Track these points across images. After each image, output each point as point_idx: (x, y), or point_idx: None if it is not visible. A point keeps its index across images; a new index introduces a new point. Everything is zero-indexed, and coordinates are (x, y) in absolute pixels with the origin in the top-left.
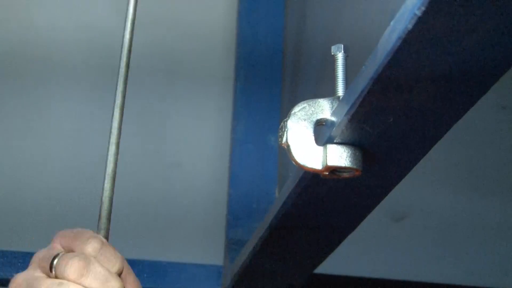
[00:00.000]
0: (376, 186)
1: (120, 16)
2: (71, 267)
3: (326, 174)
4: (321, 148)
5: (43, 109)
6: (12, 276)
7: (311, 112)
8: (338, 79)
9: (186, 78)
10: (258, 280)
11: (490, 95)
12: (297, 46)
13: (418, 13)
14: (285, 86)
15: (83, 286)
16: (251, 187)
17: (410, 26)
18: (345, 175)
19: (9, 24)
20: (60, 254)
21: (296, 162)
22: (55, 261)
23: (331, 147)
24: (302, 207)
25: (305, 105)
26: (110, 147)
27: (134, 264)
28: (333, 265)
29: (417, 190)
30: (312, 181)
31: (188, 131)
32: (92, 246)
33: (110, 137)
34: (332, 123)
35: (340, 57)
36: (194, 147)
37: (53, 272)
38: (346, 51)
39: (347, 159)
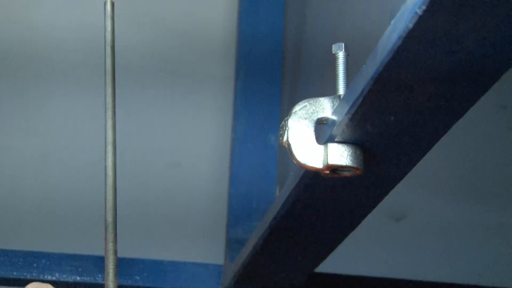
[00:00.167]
0: (376, 185)
1: (119, 15)
2: None
3: (326, 173)
4: (322, 147)
5: (43, 108)
6: (13, 275)
7: (312, 111)
8: (339, 78)
9: (186, 78)
10: (258, 279)
11: (490, 94)
12: (297, 45)
13: (419, 12)
14: (285, 85)
15: None
16: (251, 187)
17: (410, 25)
18: (346, 174)
19: (8, 23)
20: None
21: (296, 161)
22: None
23: (332, 146)
24: (303, 206)
25: (306, 104)
26: (107, 162)
27: (134, 263)
28: (333, 264)
29: (417, 190)
30: (313, 180)
31: (188, 131)
32: None
33: (106, 154)
34: (333, 122)
35: (341, 56)
36: (194, 147)
37: None
38: (346, 50)
39: (348, 158)
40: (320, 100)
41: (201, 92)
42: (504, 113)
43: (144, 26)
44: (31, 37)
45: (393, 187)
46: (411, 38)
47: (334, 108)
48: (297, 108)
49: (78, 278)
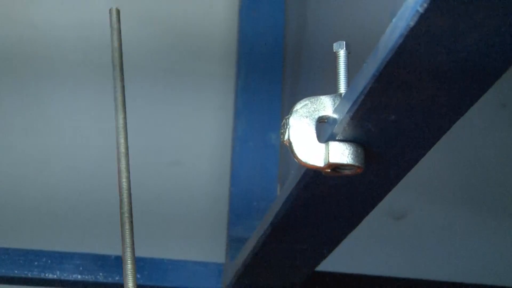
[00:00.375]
0: (377, 183)
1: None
2: None
3: (328, 172)
4: (323, 145)
5: (43, 108)
6: (14, 273)
7: (313, 109)
8: (340, 76)
9: (186, 76)
10: (259, 278)
11: (490, 93)
12: (298, 44)
13: (421, 10)
14: (286, 84)
15: None
16: (252, 185)
17: (412, 23)
18: (347, 172)
19: (8, 22)
20: None
21: (298, 159)
22: None
23: (333, 144)
24: (303, 205)
25: (307, 102)
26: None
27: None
28: (334, 262)
29: (417, 188)
30: (314, 178)
31: (189, 129)
32: None
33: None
34: (334, 120)
35: (342, 54)
36: (195, 145)
37: None
38: (347, 48)
39: (349, 156)
40: (321, 99)
41: (201, 91)
42: (504, 111)
43: (145, 25)
44: (31, 36)
45: (394, 185)
46: (412, 36)
47: (335, 106)
48: (298, 106)
49: (79, 276)
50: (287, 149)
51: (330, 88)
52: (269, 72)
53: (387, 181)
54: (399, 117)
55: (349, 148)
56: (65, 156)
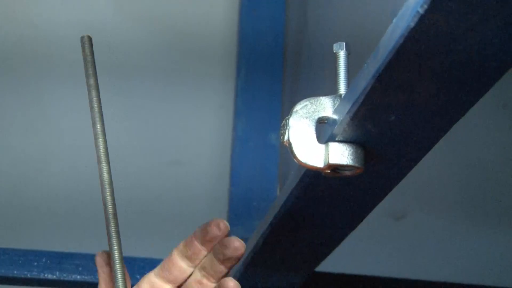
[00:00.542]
0: (377, 184)
1: (120, 14)
2: None
3: (327, 172)
4: (322, 146)
5: (43, 107)
6: (13, 273)
7: (313, 110)
8: (340, 77)
9: (187, 76)
10: (258, 279)
11: (491, 93)
12: (298, 44)
13: (421, 10)
14: (286, 84)
15: None
16: (252, 185)
17: (412, 24)
18: (347, 173)
19: (8, 21)
20: None
21: (297, 160)
22: None
23: (333, 145)
24: (303, 205)
25: (307, 103)
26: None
27: (135, 262)
28: (334, 263)
29: (417, 189)
30: (314, 179)
31: (189, 129)
32: None
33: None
34: (334, 121)
35: (342, 55)
36: (195, 145)
37: None
38: (348, 49)
39: (348, 157)
40: (321, 99)
41: (202, 91)
42: (505, 111)
43: (145, 24)
44: (31, 36)
45: (393, 186)
46: (412, 37)
47: (335, 107)
48: (298, 107)
49: (78, 277)
50: (287, 150)
51: (330, 89)
52: (269, 72)
53: (387, 181)
54: (399, 118)
55: (349, 149)
56: (65, 156)
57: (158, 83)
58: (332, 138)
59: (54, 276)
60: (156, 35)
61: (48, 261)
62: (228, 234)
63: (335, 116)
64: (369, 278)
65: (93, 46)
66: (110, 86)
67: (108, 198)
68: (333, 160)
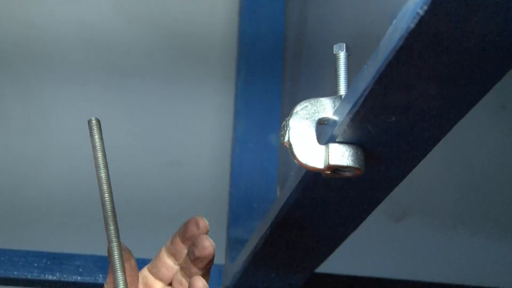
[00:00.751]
0: (377, 185)
1: (120, 14)
2: None
3: (327, 173)
4: (323, 147)
5: (43, 107)
6: (13, 274)
7: (313, 111)
8: (340, 78)
9: (186, 77)
10: (258, 280)
11: (490, 94)
12: (298, 45)
13: (421, 12)
14: (286, 84)
15: None
16: (252, 186)
17: (412, 25)
18: (347, 174)
19: (8, 21)
20: None
21: (298, 161)
22: None
23: (333, 146)
24: (303, 206)
25: (307, 104)
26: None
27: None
28: (334, 264)
29: (417, 190)
30: (314, 180)
31: (189, 130)
32: None
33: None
34: (334, 122)
35: (342, 56)
36: (195, 146)
37: None
38: (348, 50)
39: (349, 158)
40: (321, 100)
41: (201, 92)
42: (505, 113)
43: (145, 24)
44: (31, 36)
45: (394, 187)
46: (412, 38)
47: (335, 108)
48: (298, 108)
49: (78, 278)
50: (287, 151)
51: (330, 90)
52: (269, 72)
53: (387, 183)
54: (399, 119)
55: (349, 150)
56: (65, 156)
57: (158, 84)
58: (332, 139)
59: (55, 277)
60: (156, 36)
61: (49, 262)
62: (207, 233)
63: (335, 117)
64: (369, 279)
65: (93, 47)
66: (110, 86)
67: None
68: (333, 161)
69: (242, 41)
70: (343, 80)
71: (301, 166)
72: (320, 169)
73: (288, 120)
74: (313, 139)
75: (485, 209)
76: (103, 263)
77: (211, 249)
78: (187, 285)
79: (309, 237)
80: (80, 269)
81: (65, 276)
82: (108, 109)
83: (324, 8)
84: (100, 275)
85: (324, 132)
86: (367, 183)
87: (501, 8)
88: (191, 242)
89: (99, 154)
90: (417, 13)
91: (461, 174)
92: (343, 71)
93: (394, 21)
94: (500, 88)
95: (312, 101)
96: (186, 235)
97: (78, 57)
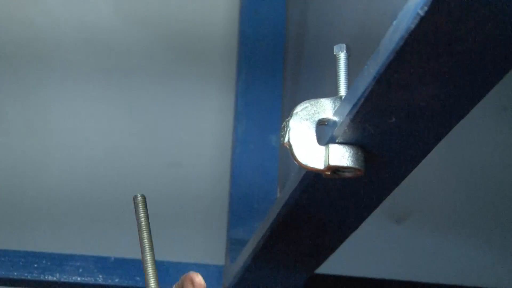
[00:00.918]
0: (377, 186)
1: (120, 14)
2: None
3: (328, 174)
4: (323, 147)
5: (43, 107)
6: (13, 275)
7: (313, 111)
8: (340, 79)
9: (187, 78)
10: (259, 280)
11: (491, 95)
12: (298, 46)
13: (421, 12)
14: (287, 86)
15: None
16: (252, 187)
17: (412, 26)
18: (347, 175)
19: (8, 21)
20: None
21: (298, 161)
22: None
23: (333, 147)
24: (304, 207)
25: (307, 104)
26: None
27: (134, 263)
28: (334, 265)
29: (417, 191)
30: (314, 181)
31: (189, 131)
32: None
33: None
34: (334, 122)
35: (342, 57)
36: (195, 147)
37: None
38: (348, 51)
39: (349, 158)
40: (321, 101)
41: (202, 92)
42: (505, 114)
43: (145, 25)
44: (31, 37)
45: (394, 188)
46: (412, 39)
47: (335, 109)
48: (298, 109)
49: (78, 278)
50: (287, 151)
51: (330, 90)
52: (269, 73)
53: (387, 183)
54: (400, 120)
55: (349, 151)
56: (64, 157)
57: (158, 84)
58: (332, 140)
59: (55, 278)
60: (156, 36)
61: (49, 263)
62: None
63: (335, 118)
64: (369, 280)
65: (93, 47)
66: (110, 87)
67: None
68: (334, 162)
69: (242, 41)
70: (343, 80)
71: (301, 166)
72: (320, 170)
73: (288, 121)
74: (313, 139)
75: (486, 210)
76: (103, 263)
77: None
78: None
79: (309, 237)
80: (80, 269)
81: (65, 276)
82: (108, 109)
83: (325, 9)
84: (100, 276)
85: (324, 132)
86: (367, 183)
87: (501, 8)
88: None
89: (145, 235)
90: (418, 14)
91: (461, 175)
92: (343, 72)
93: (394, 22)
94: (500, 90)
95: (312, 101)
96: None
97: (78, 57)
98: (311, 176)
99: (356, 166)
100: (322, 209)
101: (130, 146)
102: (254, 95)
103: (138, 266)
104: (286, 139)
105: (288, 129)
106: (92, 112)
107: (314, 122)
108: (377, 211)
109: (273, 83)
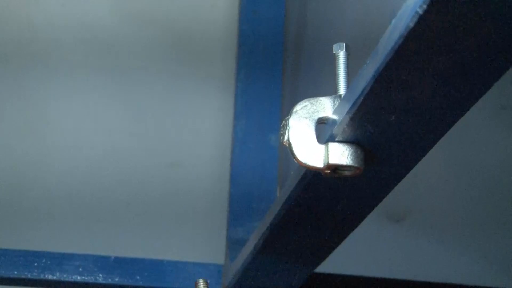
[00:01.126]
0: (377, 184)
1: (120, 14)
2: None
3: (327, 173)
4: (322, 146)
5: (43, 107)
6: (13, 274)
7: (312, 110)
8: (340, 78)
9: (186, 77)
10: (258, 280)
11: (489, 94)
12: (298, 45)
13: (420, 11)
14: (286, 85)
15: None
16: (252, 186)
17: (411, 24)
18: (347, 173)
19: (7, 22)
20: None
21: (297, 160)
22: None
23: (332, 145)
24: (303, 206)
25: (306, 103)
26: None
27: (134, 262)
28: (334, 264)
29: (417, 191)
30: (313, 179)
31: (189, 131)
32: None
33: None
34: (334, 121)
35: (341, 55)
36: (195, 146)
37: None
38: (347, 49)
39: (348, 157)
40: (320, 100)
41: (201, 92)
42: (504, 113)
43: (145, 25)
44: (30, 37)
45: (393, 187)
46: (412, 37)
47: (335, 107)
48: (297, 107)
49: (78, 277)
50: (287, 150)
51: (330, 89)
52: (269, 73)
53: (387, 182)
54: (399, 118)
55: (348, 149)
56: (64, 157)
57: (158, 84)
58: (331, 139)
59: (55, 277)
60: (155, 36)
61: (48, 262)
62: None
63: (334, 117)
64: (368, 279)
65: (93, 48)
66: (109, 87)
67: None
68: (333, 160)
69: (242, 41)
70: (343, 79)
71: (301, 165)
72: (319, 168)
73: (288, 119)
74: (312, 138)
75: (485, 209)
76: (103, 263)
77: None
78: None
79: (308, 236)
80: (80, 269)
81: (65, 276)
82: (108, 109)
83: (324, 8)
84: (100, 275)
85: (324, 131)
86: (367, 182)
87: (501, 7)
88: None
89: None
90: (416, 12)
91: (460, 174)
92: (343, 71)
93: (393, 20)
94: (499, 89)
95: (312, 100)
96: None
97: (78, 57)
98: (311, 175)
99: (356, 165)
100: (321, 207)
101: (130, 146)
102: (253, 94)
103: (138, 265)
104: (286, 138)
105: (288, 127)
106: (92, 112)
107: (314, 121)
108: (376, 210)
109: (273, 82)
